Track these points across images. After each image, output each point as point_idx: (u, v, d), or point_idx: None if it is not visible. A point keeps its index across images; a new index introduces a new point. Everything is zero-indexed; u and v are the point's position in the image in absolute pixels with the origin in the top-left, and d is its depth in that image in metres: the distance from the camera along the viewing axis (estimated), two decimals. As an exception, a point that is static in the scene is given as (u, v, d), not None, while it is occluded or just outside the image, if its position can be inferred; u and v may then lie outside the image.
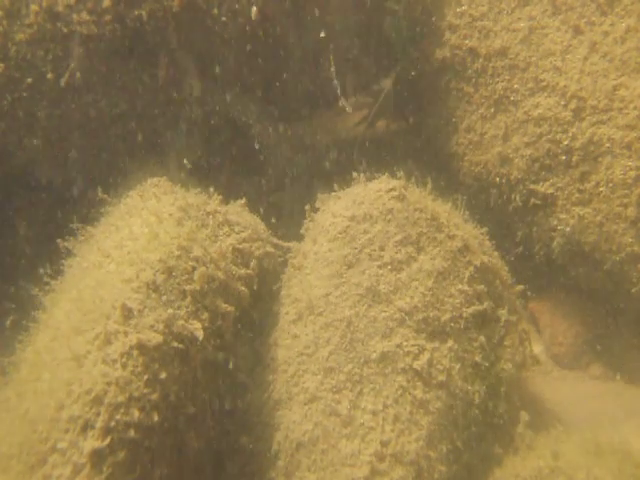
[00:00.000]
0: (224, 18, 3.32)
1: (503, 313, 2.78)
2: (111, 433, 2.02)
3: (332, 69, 3.45)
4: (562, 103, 3.51)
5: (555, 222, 3.61)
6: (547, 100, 3.55)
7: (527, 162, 3.63)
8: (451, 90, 3.92)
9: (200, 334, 2.35)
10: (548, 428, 2.71)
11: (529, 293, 3.79)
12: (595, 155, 3.44)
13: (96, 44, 3.17)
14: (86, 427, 2.01)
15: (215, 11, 3.28)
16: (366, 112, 4.50)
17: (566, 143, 3.50)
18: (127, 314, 2.23)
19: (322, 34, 3.52)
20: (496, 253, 2.96)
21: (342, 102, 3.55)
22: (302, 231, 2.97)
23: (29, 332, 2.67)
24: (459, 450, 2.52)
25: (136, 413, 2.06)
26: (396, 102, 4.31)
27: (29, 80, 3.15)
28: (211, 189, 3.02)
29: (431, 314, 2.59)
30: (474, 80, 3.81)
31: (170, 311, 2.32)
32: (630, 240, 3.37)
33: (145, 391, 2.11)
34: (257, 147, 3.72)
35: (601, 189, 3.43)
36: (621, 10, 3.52)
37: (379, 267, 2.63)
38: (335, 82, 3.50)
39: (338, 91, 3.50)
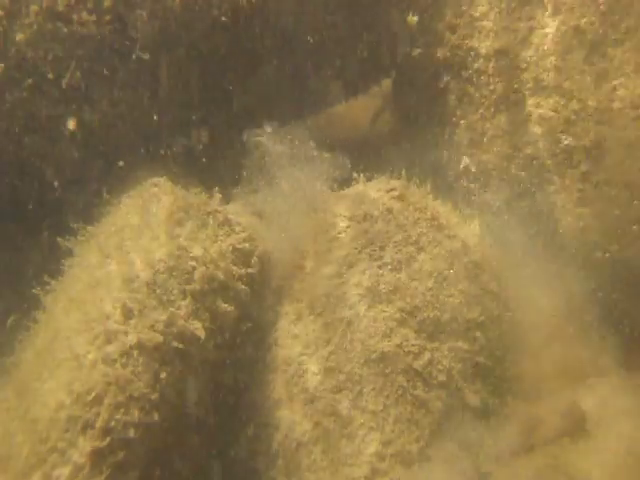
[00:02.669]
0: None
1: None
2: (111, 433, 2.02)
3: None
4: (562, 103, 3.51)
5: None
6: (547, 100, 3.55)
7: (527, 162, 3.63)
8: (451, 90, 3.92)
9: (201, 334, 2.35)
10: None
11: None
12: (595, 155, 3.43)
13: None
14: (86, 427, 2.01)
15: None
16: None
17: (566, 143, 3.50)
18: (127, 314, 2.23)
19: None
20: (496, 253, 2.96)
21: None
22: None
23: (29, 332, 2.67)
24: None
25: (136, 413, 2.06)
26: (396, 102, 4.31)
27: (29, 80, 3.15)
28: (215, 189, 3.01)
29: (431, 314, 2.59)
30: (474, 80, 3.81)
31: (170, 311, 2.32)
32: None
33: (145, 391, 2.11)
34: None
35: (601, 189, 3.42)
36: (621, 10, 3.52)
37: (379, 267, 2.63)
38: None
39: None
